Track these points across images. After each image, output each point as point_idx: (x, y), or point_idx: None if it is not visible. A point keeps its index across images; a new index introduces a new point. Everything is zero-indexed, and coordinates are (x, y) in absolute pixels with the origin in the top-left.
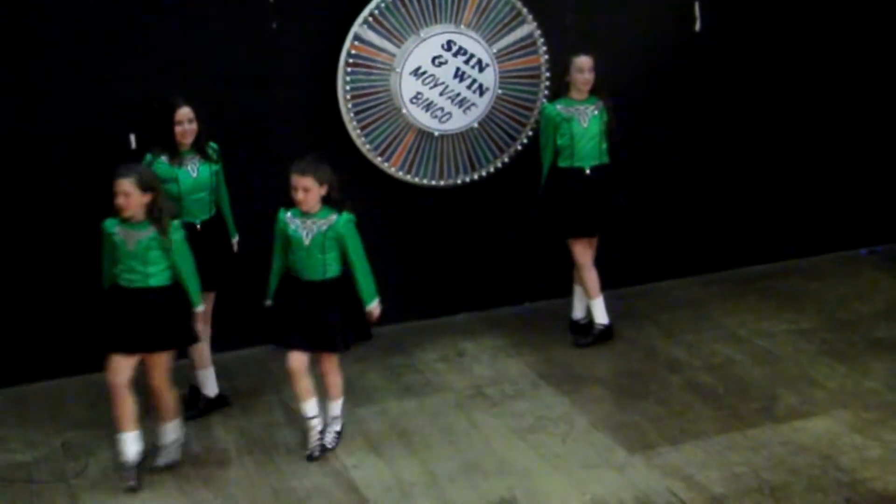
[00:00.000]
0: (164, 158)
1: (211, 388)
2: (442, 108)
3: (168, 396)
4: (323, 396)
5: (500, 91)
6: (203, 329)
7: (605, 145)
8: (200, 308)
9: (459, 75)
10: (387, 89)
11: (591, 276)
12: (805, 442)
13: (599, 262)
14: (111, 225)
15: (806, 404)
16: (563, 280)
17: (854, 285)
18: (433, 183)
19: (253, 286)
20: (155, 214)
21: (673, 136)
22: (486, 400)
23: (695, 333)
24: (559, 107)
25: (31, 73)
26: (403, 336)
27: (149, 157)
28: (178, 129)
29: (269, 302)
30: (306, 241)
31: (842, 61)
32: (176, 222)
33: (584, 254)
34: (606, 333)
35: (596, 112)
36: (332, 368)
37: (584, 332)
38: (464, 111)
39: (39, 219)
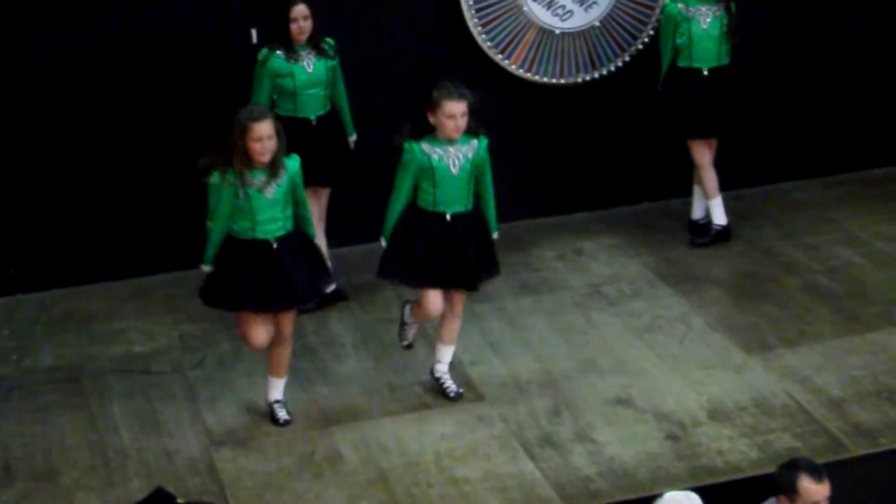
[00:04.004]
0: (280, 53)
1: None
2: (563, 6)
3: None
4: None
5: None
6: (318, 225)
7: (725, 47)
8: None
9: None
10: None
11: (709, 176)
12: None
13: (719, 162)
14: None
15: None
16: (683, 179)
17: None
18: (553, 81)
19: (368, 183)
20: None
21: (793, 35)
22: (603, 299)
23: (814, 235)
24: (680, 5)
25: None
26: (521, 234)
27: (265, 51)
28: (293, 25)
29: (383, 242)
30: (454, 171)
31: None
32: None
33: (702, 154)
34: (724, 234)
35: (717, 13)
36: (460, 311)
37: (703, 233)
38: (585, 9)
39: (159, 113)
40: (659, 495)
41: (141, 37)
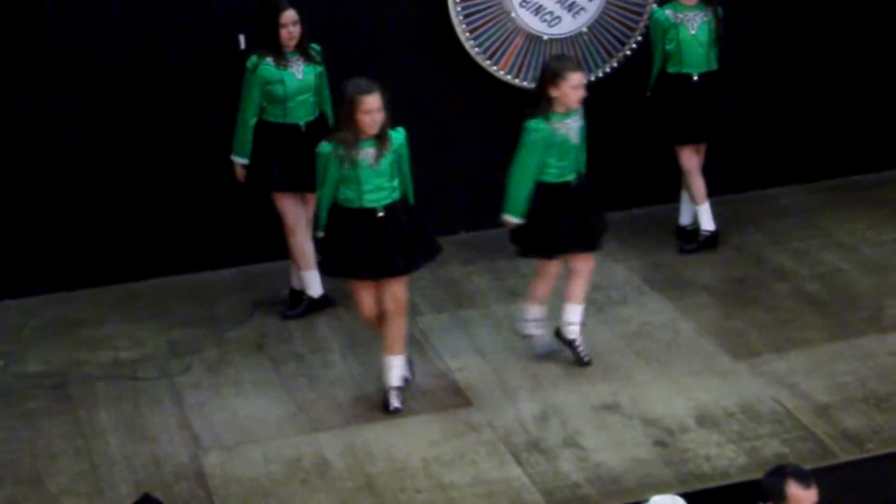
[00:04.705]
0: (269, 60)
1: (315, 288)
2: (551, 12)
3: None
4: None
5: None
6: (306, 230)
7: (713, 52)
8: None
9: None
10: None
11: (697, 182)
12: None
13: (707, 168)
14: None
15: None
16: (671, 185)
17: None
18: None
19: None
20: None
21: (782, 41)
22: (591, 305)
23: (802, 241)
24: (668, 11)
25: None
26: (509, 240)
27: (254, 58)
28: (283, 31)
29: (515, 219)
30: (575, 140)
31: None
32: None
33: (690, 159)
34: (712, 240)
35: (705, 19)
36: (590, 270)
37: (691, 239)
38: (573, 15)
39: (149, 120)
40: (645, 500)
41: (126, 44)
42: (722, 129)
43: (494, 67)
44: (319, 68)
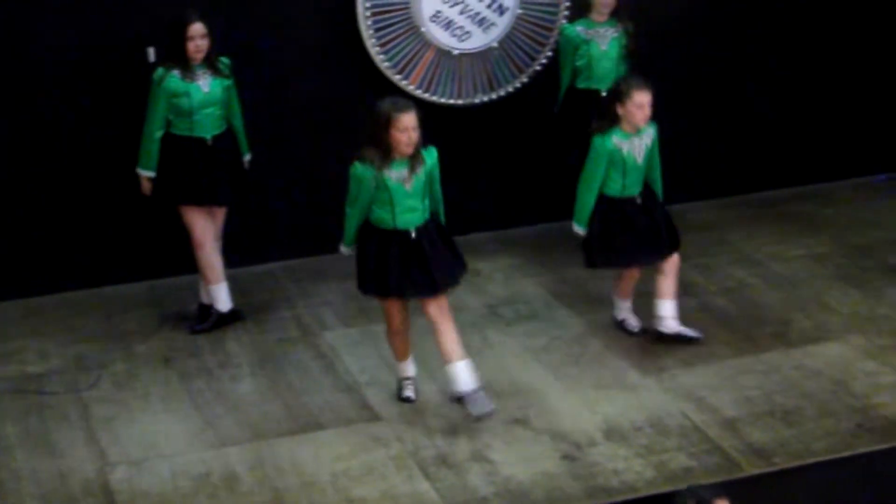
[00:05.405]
0: (176, 73)
1: (224, 303)
2: (462, 27)
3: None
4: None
5: (520, 11)
6: (215, 244)
7: (623, 68)
8: None
9: None
10: (407, 6)
11: None
12: (818, 367)
13: None
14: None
15: (819, 329)
16: None
17: (870, 211)
18: (451, 102)
19: (266, 202)
20: None
21: (689, 59)
22: (500, 319)
23: (710, 257)
24: (579, 28)
25: None
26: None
27: (161, 71)
28: (190, 44)
29: (581, 229)
30: (640, 161)
31: None
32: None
33: None
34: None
35: (615, 35)
36: (672, 267)
37: None
38: (483, 30)
39: (56, 132)
40: None
41: (38, 54)
42: None
43: (405, 82)
44: (227, 82)
